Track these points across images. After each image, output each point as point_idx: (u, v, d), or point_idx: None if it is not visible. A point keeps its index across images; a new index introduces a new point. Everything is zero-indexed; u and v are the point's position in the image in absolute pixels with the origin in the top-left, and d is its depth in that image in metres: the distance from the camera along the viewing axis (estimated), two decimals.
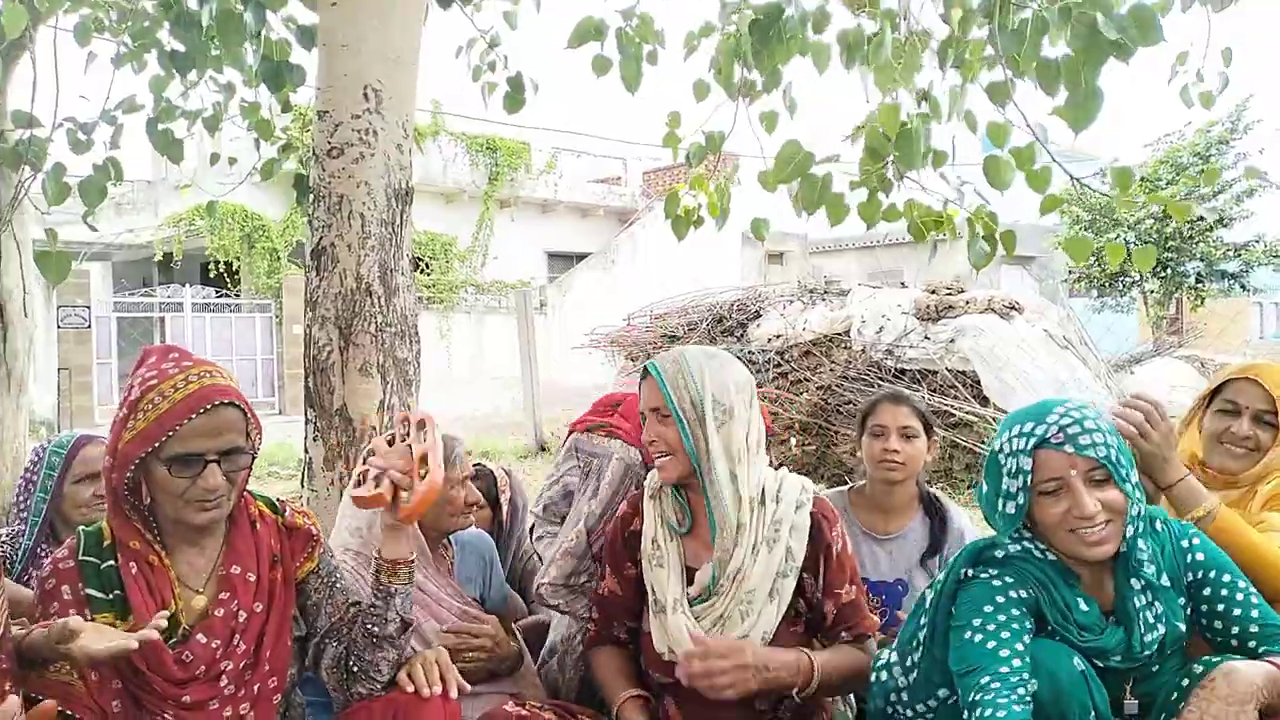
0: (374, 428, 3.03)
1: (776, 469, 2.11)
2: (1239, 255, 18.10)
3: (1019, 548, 1.82)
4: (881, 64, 2.74)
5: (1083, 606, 1.77)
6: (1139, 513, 1.76)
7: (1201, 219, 16.79)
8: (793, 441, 7.30)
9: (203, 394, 1.71)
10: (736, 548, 1.98)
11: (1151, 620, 1.75)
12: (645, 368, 2.07)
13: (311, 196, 3.12)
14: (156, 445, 1.68)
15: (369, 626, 1.89)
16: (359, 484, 1.92)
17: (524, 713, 1.97)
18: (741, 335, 8.74)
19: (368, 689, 1.89)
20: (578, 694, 2.42)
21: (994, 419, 6.89)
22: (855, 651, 2.04)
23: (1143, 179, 17.35)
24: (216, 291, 16.04)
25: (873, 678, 1.99)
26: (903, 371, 7.50)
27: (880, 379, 7.36)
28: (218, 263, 15.49)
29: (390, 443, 2.01)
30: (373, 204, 3.04)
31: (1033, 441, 1.73)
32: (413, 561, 1.95)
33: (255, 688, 1.80)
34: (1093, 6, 2.55)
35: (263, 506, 1.93)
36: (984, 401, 7.10)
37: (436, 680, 1.88)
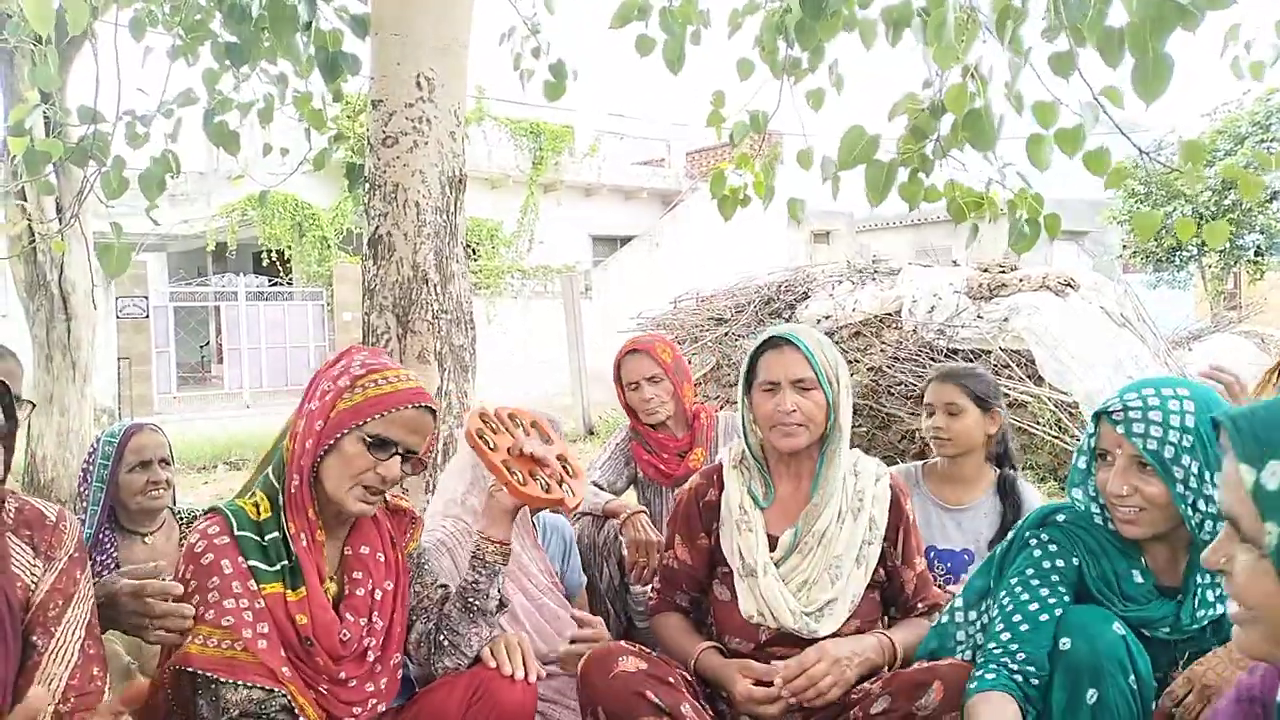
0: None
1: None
2: None
3: (1084, 510, 1.87)
4: (944, 42, 2.70)
5: (1136, 578, 1.81)
6: (1217, 513, 1.72)
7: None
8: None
9: (422, 393, 1.85)
10: (826, 509, 2.07)
11: (1211, 599, 1.77)
12: (779, 338, 2.11)
13: (367, 185, 3.16)
14: (366, 420, 1.79)
15: (470, 600, 1.95)
16: (519, 482, 2.00)
17: (639, 650, 2.05)
18: (790, 317, 8.67)
19: (455, 663, 1.95)
20: None
21: (1050, 399, 6.78)
22: (925, 623, 2.12)
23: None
24: (269, 280, 16.29)
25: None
26: (955, 351, 7.39)
27: (932, 359, 7.27)
28: (269, 251, 15.71)
29: (492, 428, 2.09)
30: (427, 192, 3.07)
31: (1100, 409, 1.81)
32: (510, 544, 2.02)
33: (390, 663, 1.89)
34: None
35: None
36: (1039, 381, 6.99)
37: (520, 665, 1.92)
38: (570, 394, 12.11)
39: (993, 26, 3.16)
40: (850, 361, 7.85)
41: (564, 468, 2.12)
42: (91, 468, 2.64)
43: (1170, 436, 1.70)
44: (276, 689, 1.70)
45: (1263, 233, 17.49)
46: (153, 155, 4.05)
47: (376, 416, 1.79)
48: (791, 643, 2.05)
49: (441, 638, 1.95)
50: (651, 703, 1.91)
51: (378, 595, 1.89)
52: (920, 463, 2.95)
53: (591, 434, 11.00)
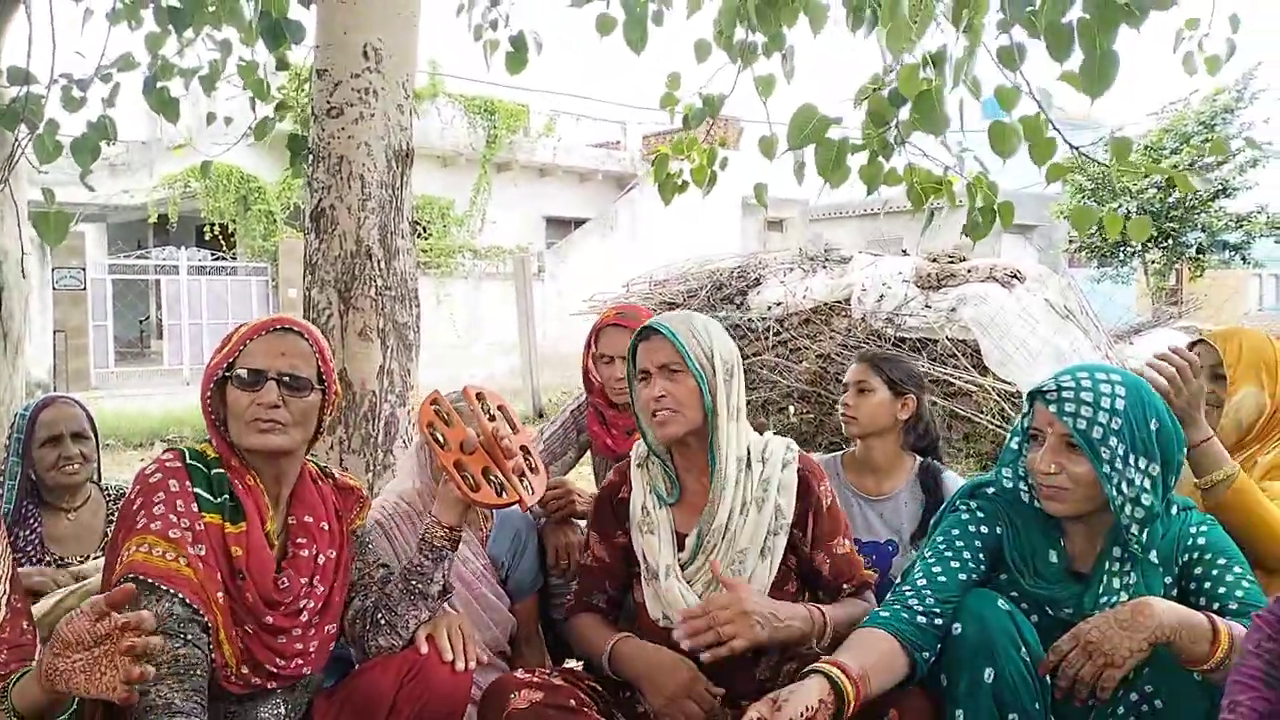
0: (373, 392, 3.00)
1: (762, 434, 2.15)
2: (1241, 226, 18.02)
3: (1012, 486, 1.94)
4: (897, 24, 2.69)
5: (1051, 557, 1.88)
6: (1148, 491, 1.78)
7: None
8: (791, 410, 7.28)
9: (276, 319, 1.87)
10: (721, 505, 2.00)
11: (1117, 586, 1.82)
12: (646, 328, 2.05)
13: (310, 157, 3.08)
14: (232, 360, 1.81)
15: (413, 582, 1.93)
16: (471, 486, 1.92)
17: (535, 679, 1.96)
18: (741, 303, 8.68)
19: (389, 643, 1.93)
20: None
21: (993, 389, 6.88)
22: (860, 602, 2.08)
23: (1146, 147, 17.21)
24: (212, 254, 15.94)
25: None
26: (903, 340, 7.46)
27: (880, 348, 7.34)
28: (213, 225, 15.37)
29: (444, 419, 1.99)
30: (373, 165, 3.00)
31: (1035, 389, 1.87)
32: (460, 530, 1.97)
33: (326, 629, 1.89)
34: None
35: (315, 469, 2.01)
36: (984, 371, 7.07)
37: (460, 651, 1.90)
38: (521, 376, 12.05)
39: (949, 15, 3.16)
40: (799, 349, 7.88)
41: (526, 461, 2.05)
42: (10, 442, 2.59)
43: (1099, 418, 1.76)
44: (202, 612, 1.69)
45: (1204, 230, 17.91)
46: (89, 120, 3.93)
47: (239, 352, 1.82)
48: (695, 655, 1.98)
49: (380, 616, 1.93)
50: None
51: (320, 560, 1.89)
52: (839, 453, 2.93)
53: (541, 417, 10.96)
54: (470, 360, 15.53)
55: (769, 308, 8.31)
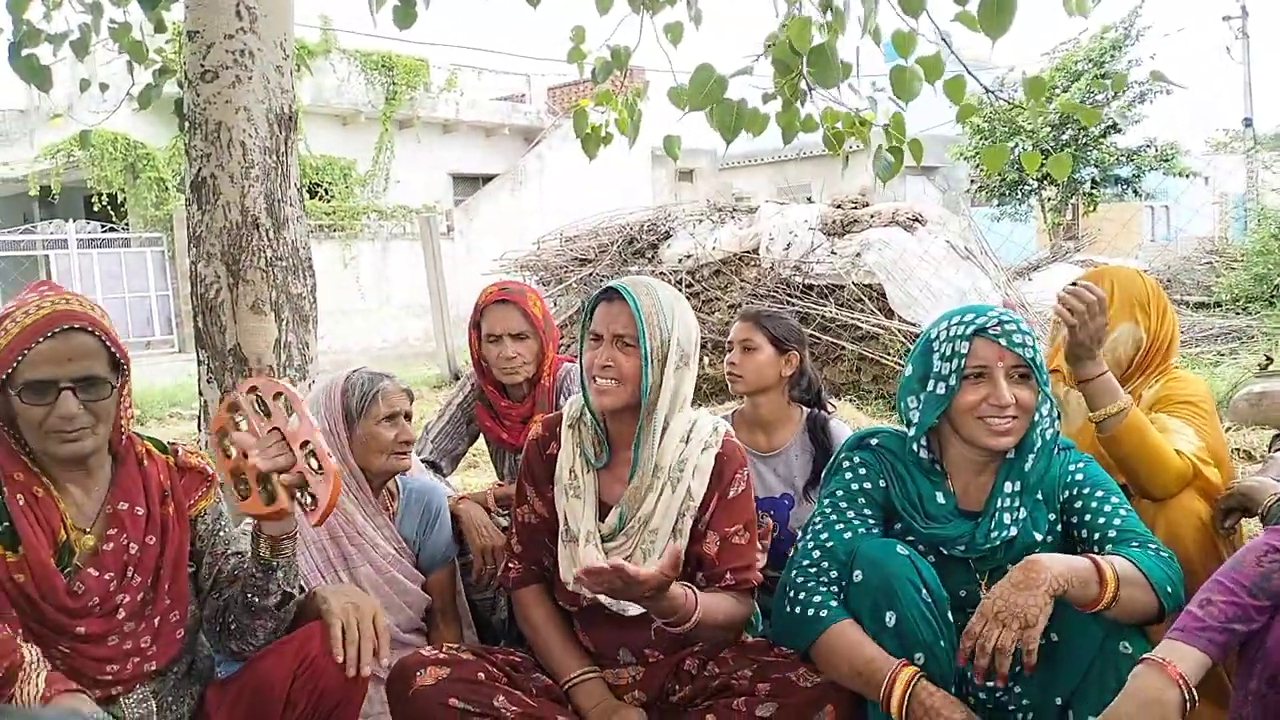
0: (269, 367, 2.92)
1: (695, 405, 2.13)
2: (1132, 160, 18.59)
3: (896, 438, 1.98)
4: None
5: (939, 499, 1.93)
6: (1049, 424, 1.90)
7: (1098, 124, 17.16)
8: (705, 361, 7.33)
9: (53, 318, 1.64)
10: (649, 492, 1.98)
11: (1007, 521, 1.89)
12: (614, 289, 1.98)
13: (187, 124, 2.96)
14: (9, 372, 1.62)
15: (249, 595, 1.82)
16: (242, 494, 1.76)
17: (441, 655, 1.94)
18: (652, 256, 8.69)
19: (239, 648, 1.85)
20: None
21: (900, 331, 7.03)
22: (732, 600, 1.99)
23: None
24: (102, 226, 15.26)
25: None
26: (810, 287, 7.56)
27: (789, 296, 7.42)
28: (100, 195, 14.69)
29: (236, 424, 1.81)
30: (254, 131, 2.89)
31: (972, 329, 1.86)
32: (294, 534, 1.82)
33: (156, 621, 1.78)
34: None
35: (150, 446, 1.86)
36: (889, 314, 7.22)
37: (354, 659, 1.80)
38: (433, 339, 11.87)
39: None
40: (711, 299, 7.93)
41: (313, 465, 1.75)
42: None
43: (1033, 345, 1.85)
44: None
45: (1097, 166, 18.44)
46: None
47: (14, 366, 1.62)
48: (603, 617, 2.00)
49: (230, 619, 1.84)
50: (459, 709, 1.82)
51: (134, 549, 1.75)
52: (729, 411, 2.95)
53: (458, 378, 10.82)
54: (381, 323, 15.26)
55: (680, 260, 8.33)
